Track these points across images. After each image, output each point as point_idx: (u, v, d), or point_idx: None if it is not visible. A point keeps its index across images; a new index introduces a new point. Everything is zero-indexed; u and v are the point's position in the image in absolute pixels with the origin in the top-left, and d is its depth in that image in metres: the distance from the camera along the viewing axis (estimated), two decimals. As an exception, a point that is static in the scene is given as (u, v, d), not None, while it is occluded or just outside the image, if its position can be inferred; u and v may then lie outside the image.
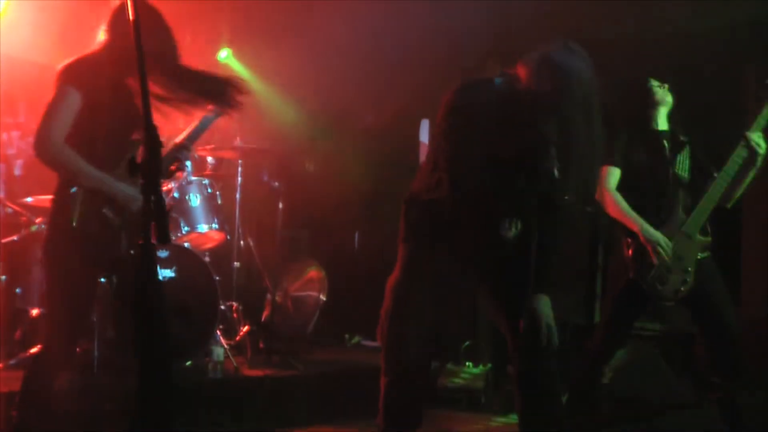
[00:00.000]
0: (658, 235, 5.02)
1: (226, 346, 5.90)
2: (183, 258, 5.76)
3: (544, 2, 6.54)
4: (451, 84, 4.15)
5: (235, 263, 6.76)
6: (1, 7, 6.58)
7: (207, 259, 6.19)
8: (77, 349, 5.10)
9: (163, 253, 5.69)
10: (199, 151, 6.65)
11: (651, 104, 5.25)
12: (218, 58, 7.45)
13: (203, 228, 6.12)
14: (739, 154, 5.01)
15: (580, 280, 7.10)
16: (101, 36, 4.26)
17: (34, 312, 5.61)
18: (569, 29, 7.00)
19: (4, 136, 6.72)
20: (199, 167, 6.73)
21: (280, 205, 7.11)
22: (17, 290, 5.80)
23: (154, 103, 4.30)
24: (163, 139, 4.28)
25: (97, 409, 4.97)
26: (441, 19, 7.00)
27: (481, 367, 6.86)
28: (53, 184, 4.75)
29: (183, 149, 4.62)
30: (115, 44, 4.21)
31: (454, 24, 6.81)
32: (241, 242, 6.85)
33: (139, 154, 2.67)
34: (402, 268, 4.21)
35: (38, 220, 5.69)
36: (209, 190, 6.26)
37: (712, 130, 5.49)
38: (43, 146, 4.06)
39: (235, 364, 5.92)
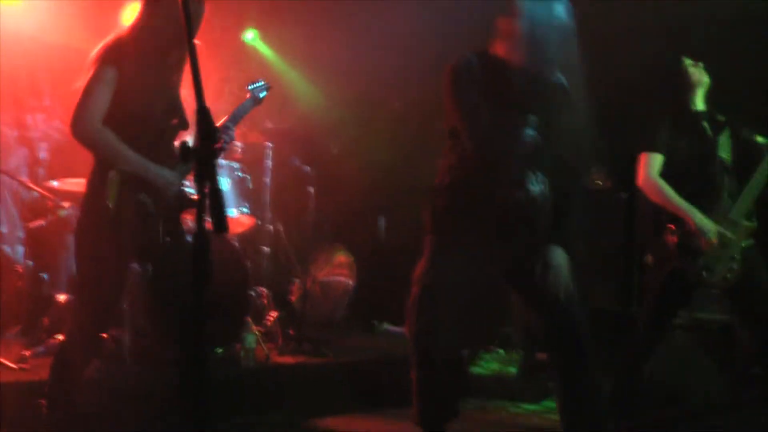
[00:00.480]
0: (709, 223, 4.88)
1: (257, 333, 5.78)
2: (214, 244, 5.63)
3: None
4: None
5: (265, 248, 6.65)
6: (24, -11, 6.50)
7: (236, 244, 6.08)
8: (106, 337, 5.05)
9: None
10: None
11: (688, 86, 5.13)
12: (244, 39, 7.31)
13: (234, 212, 6.02)
14: None
15: (615, 268, 7.01)
16: (133, 14, 4.16)
17: (62, 298, 5.49)
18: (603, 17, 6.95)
19: (29, 119, 6.64)
20: (229, 151, 6.62)
21: (311, 190, 6.98)
22: (44, 276, 5.70)
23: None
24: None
25: (126, 398, 4.90)
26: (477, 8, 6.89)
27: (513, 354, 6.78)
28: (79, 168, 4.66)
29: (226, 130, 4.51)
30: (152, 22, 4.10)
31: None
32: (270, 227, 6.74)
33: (193, 139, 2.55)
34: (429, 258, 4.12)
35: (66, 204, 5.59)
36: (240, 174, 6.17)
37: (748, 114, 5.33)
38: (80, 127, 3.95)
39: (266, 351, 5.85)
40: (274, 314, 6.33)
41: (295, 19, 7.22)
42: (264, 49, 7.47)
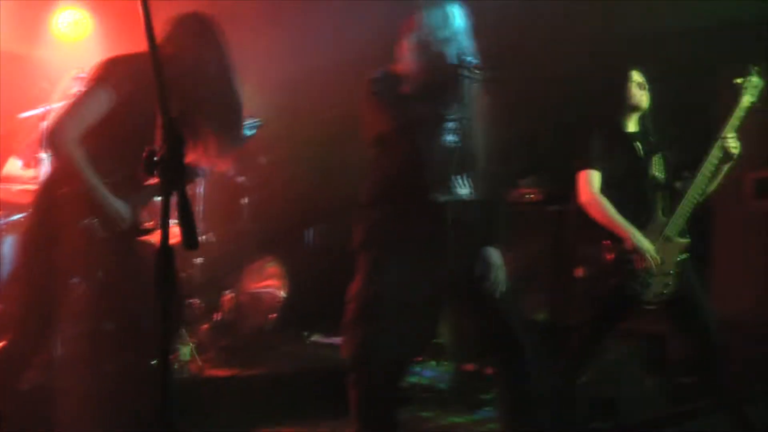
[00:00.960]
0: (646, 243, 4.94)
1: (191, 344, 5.72)
2: (148, 255, 5.56)
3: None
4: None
5: (197, 259, 6.59)
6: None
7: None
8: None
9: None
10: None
11: (626, 108, 5.19)
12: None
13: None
14: (715, 155, 4.99)
15: (544, 280, 7.09)
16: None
17: (-7, 308, 5.36)
18: (541, 29, 7.06)
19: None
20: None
21: (245, 201, 6.94)
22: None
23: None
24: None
25: (59, 409, 4.81)
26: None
27: (444, 364, 6.81)
28: None
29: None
30: (168, 54, 4.00)
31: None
32: (203, 238, 6.68)
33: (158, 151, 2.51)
34: (364, 274, 4.09)
35: None
36: (173, 185, 6.09)
37: (687, 130, 5.44)
38: (57, 137, 3.89)
39: (200, 363, 5.78)
40: (206, 326, 6.27)
41: (228, 27, 7.17)
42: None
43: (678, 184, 5.14)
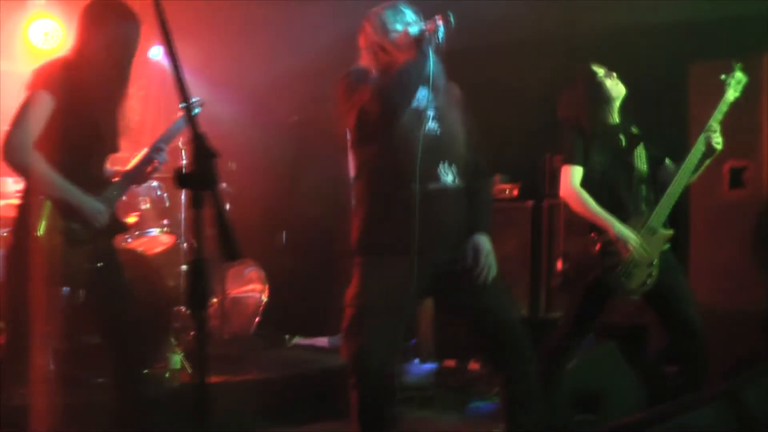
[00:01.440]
0: (628, 232, 5.02)
1: (180, 352, 5.73)
2: (136, 264, 5.57)
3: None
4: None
5: (183, 266, 6.58)
6: None
7: (155, 263, 6.01)
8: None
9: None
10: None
11: (604, 99, 5.24)
12: (150, 56, 7.22)
13: (154, 231, 5.96)
14: (699, 148, 5.05)
15: (521, 274, 7.16)
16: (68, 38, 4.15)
17: (-21, 324, 5.33)
18: (525, 24, 7.12)
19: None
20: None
21: (227, 207, 6.93)
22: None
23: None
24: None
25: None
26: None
27: (427, 363, 6.87)
28: None
29: (158, 151, 4.49)
30: (86, 48, 4.09)
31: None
32: (186, 245, 6.67)
33: (186, 164, 2.55)
34: (359, 278, 4.14)
35: (-17, 227, 5.44)
36: (158, 193, 6.10)
37: (656, 127, 5.52)
38: (10, 150, 3.93)
39: (189, 370, 5.78)
40: (192, 333, 6.27)
41: (196, 35, 7.17)
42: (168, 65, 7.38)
43: (659, 176, 5.24)
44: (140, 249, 5.93)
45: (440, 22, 3.93)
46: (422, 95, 4.10)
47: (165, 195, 6.22)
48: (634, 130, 5.27)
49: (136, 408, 4.29)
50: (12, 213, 4.19)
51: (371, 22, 4.24)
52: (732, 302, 6.03)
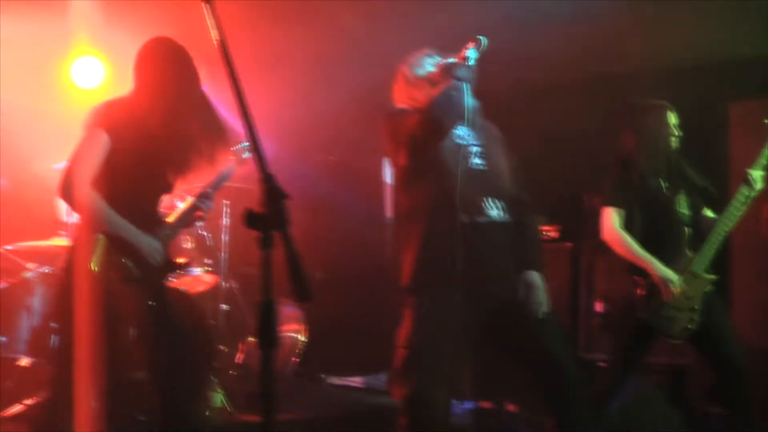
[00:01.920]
0: (671, 273, 5.01)
1: (222, 391, 5.73)
2: (179, 303, 5.57)
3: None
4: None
5: (223, 306, 6.59)
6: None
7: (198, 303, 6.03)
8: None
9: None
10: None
11: (666, 141, 5.22)
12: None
13: (197, 271, 5.98)
14: (742, 192, 5.05)
15: (561, 315, 7.11)
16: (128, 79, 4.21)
17: (24, 362, 5.36)
18: (563, 66, 7.14)
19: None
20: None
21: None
22: (3, 339, 5.56)
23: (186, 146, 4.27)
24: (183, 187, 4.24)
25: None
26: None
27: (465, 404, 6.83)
28: (28, 228, 4.60)
29: (206, 198, 4.56)
30: (142, 87, 4.15)
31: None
32: (227, 284, 6.69)
33: (258, 205, 2.57)
34: (412, 319, 4.14)
35: (32, 265, 5.47)
36: (200, 232, 6.14)
37: (697, 167, 5.51)
38: (69, 188, 3.99)
39: (230, 409, 5.78)
40: (232, 372, 6.28)
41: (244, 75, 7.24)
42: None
43: (702, 220, 5.22)
44: (183, 288, 5.94)
45: (471, 46, 4.01)
46: (464, 132, 4.18)
47: (208, 235, 6.25)
48: (677, 175, 5.24)
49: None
50: (59, 250, 4.21)
51: (405, 67, 4.37)
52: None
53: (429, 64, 4.30)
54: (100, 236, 4.01)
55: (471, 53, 4.02)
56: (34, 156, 6.08)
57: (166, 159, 4.24)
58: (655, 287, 5.02)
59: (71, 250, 4.13)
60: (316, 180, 8.50)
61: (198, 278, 6.07)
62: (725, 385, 5.14)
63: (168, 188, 4.34)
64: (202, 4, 2.77)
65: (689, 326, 5.05)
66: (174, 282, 5.88)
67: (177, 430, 4.28)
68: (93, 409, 4.93)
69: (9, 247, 5.74)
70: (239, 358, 6.66)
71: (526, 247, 4.25)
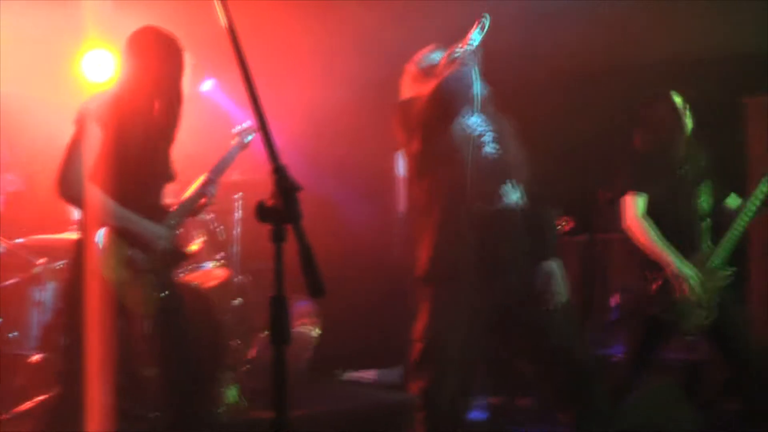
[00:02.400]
0: (688, 270, 4.94)
1: (235, 387, 5.69)
2: (191, 297, 5.53)
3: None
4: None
5: (235, 301, 6.55)
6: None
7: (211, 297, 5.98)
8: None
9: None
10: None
11: (682, 129, 5.17)
12: (201, 89, 7.20)
13: (209, 265, 5.94)
14: (762, 189, 4.99)
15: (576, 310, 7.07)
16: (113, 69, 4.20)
17: (35, 358, 5.33)
18: (576, 57, 7.08)
19: (-17, 172, 6.46)
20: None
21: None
22: (12, 335, 5.53)
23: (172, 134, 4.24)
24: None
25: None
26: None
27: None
28: (36, 223, 4.58)
29: (210, 184, 4.52)
30: (133, 78, 4.13)
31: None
32: (239, 278, 6.64)
33: (269, 197, 2.52)
34: (429, 310, 4.10)
35: (41, 260, 5.44)
36: (213, 226, 6.10)
37: (713, 160, 5.45)
38: (64, 184, 3.99)
39: (245, 404, 5.75)
40: (245, 368, 6.24)
41: (256, 72, 7.20)
42: (222, 99, 7.36)
43: (720, 214, 5.15)
44: (195, 282, 5.90)
45: (474, 28, 3.99)
46: (476, 121, 4.15)
47: (219, 228, 6.21)
48: (699, 165, 5.17)
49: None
50: (59, 243, 4.19)
51: (412, 64, 4.38)
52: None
53: (436, 58, 4.28)
54: (104, 231, 3.97)
55: (475, 35, 4.00)
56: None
57: (162, 148, 4.22)
58: (669, 282, 4.95)
59: (78, 245, 4.11)
60: (328, 173, 8.46)
61: (209, 272, 6.02)
62: (740, 380, 5.10)
63: (170, 177, 4.32)
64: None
65: (704, 321, 4.98)
66: (185, 276, 5.85)
67: (187, 426, 4.26)
68: (103, 405, 4.94)
69: (20, 240, 5.71)
70: (252, 353, 6.60)
71: (542, 236, 4.22)
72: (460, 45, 4.07)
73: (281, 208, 2.47)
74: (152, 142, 4.17)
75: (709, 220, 5.13)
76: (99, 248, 3.97)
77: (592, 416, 4.11)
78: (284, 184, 2.48)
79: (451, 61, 4.09)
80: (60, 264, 5.50)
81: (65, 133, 4.10)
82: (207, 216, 6.09)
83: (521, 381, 6.08)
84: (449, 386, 4.02)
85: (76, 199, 4.04)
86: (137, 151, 4.10)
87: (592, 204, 7.23)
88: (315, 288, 2.40)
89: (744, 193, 5.07)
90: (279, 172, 2.49)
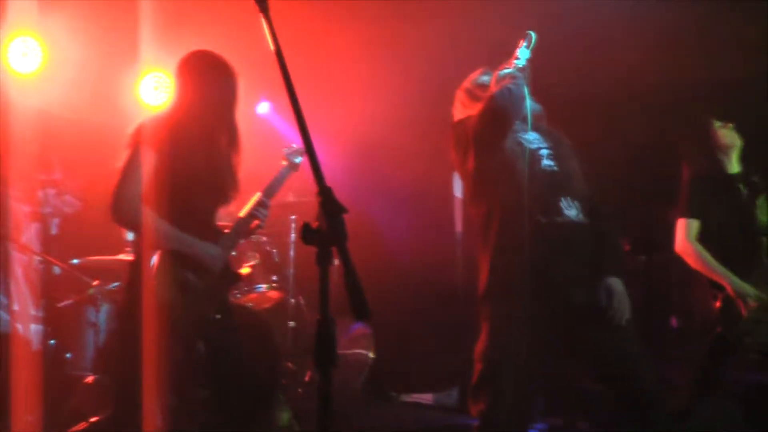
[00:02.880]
0: (747, 287, 4.86)
1: (289, 410, 5.66)
2: (246, 320, 5.53)
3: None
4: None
5: (290, 323, 6.54)
6: (38, 63, 6.39)
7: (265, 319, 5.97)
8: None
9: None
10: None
11: (719, 148, 5.11)
12: (257, 111, 7.22)
13: (263, 287, 5.94)
14: None
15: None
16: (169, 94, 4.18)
17: (89, 379, 5.35)
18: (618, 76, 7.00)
19: (40, 193, 6.51)
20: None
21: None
22: (67, 355, 5.55)
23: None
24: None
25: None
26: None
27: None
28: (91, 244, 4.57)
29: (262, 206, 4.49)
30: (183, 101, 4.11)
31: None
32: (293, 300, 6.63)
33: (315, 219, 2.48)
34: (489, 331, 4.05)
35: (95, 282, 5.47)
36: (267, 248, 6.10)
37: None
38: (119, 208, 3.96)
39: (297, 428, 5.71)
40: (300, 391, 6.22)
41: (308, 92, 7.21)
42: (277, 121, 7.38)
43: None
44: (249, 304, 5.90)
45: (521, 45, 4.02)
46: (532, 137, 4.14)
47: (274, 251, 6.21)
48: (758, 179, 5.10)
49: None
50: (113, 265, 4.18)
51: (462, 89, 4.42)
52: None
53: (485, 81, 4.28)
54: (159, 254, 3.96)
55: (522, 52, 4.02)
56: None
57: (217, 171, 4.20)
58: (731, 300, 4.86)
59: (132, 266, 4.10)
60: (386, 195, 8.44)
61: (264, 294, 6.03)
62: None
63: (224, 199, 4.29)
64: (261, 16, 2.69)
65: None
66: (240, 299, 5.84)
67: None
68: (156, 427, 4.94)
69: (75, 261, 5.75)
70: (308, 376, 6.57)
71: (606, 252, 4.13)
72: (507, 64, 4.07)
73: (325, 230, 2.42)
74: (204, 166, 4.15)
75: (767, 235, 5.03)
76: (153, 270, 3.96)
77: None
78: (329, 207, 2.44)
79: (501, 79, 4.07)
80: (114, 285, 5.52)
81: (120, 156, 4.10)
82: (261, 238, 6.09)
83: (581, 403, 6.03)
84: (508, 409, 3.96)
85: (130, 223, 4.04)
86: (188, 175, 4.08)
87: (651, 222, 7.12)
88: (360, 310, 2.37)
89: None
90: (324, 194, 2.46)
